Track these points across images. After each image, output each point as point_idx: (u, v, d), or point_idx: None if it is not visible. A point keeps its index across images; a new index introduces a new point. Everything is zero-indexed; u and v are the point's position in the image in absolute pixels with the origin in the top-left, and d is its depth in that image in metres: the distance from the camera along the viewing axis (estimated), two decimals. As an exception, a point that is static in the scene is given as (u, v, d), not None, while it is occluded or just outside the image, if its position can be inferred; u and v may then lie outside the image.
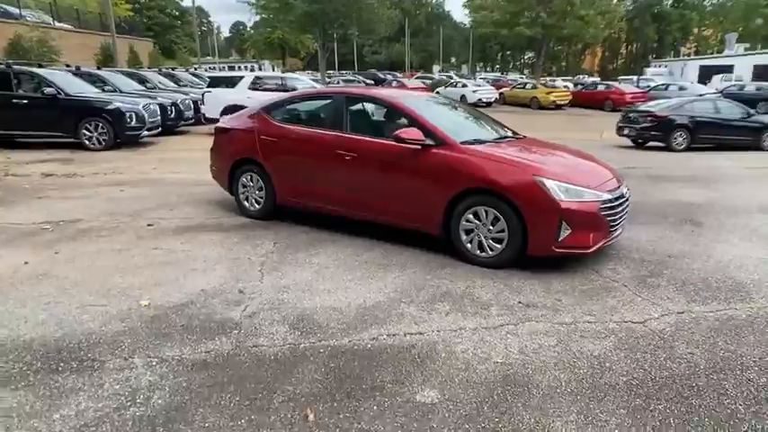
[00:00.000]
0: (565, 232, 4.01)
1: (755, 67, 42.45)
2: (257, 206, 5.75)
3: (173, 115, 13.74)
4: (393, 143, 4.66)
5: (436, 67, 77.02)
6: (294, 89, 13.69)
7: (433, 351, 2.98)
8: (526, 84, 29.45)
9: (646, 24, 70.65)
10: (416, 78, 38.23)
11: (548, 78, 45.17)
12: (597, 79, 46.33)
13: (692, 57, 52.41)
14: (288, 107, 5.71)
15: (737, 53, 48.03)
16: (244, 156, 5.71)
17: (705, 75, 41.89)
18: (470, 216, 4.31)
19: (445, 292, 3.82)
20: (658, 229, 5.56)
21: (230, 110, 13.33)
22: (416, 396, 2.56)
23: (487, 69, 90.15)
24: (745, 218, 6.14)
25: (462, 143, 4.51)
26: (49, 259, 4.47)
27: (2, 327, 3.20)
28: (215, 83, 14.83)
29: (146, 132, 11.68)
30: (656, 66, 55.78)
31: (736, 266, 4.43)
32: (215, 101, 13.83)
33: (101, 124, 10.87)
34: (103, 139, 10.93)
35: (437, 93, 31.64)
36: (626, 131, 13.56)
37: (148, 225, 5.55)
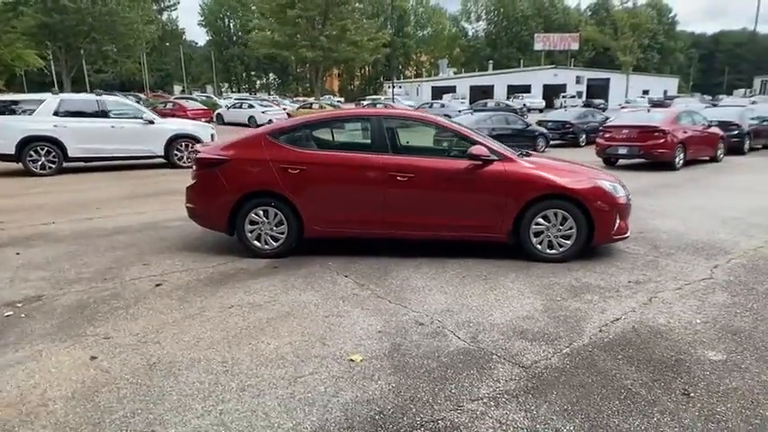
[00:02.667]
0: (616, 223, 4.99)
1: (471, 87, 53.02)
2: (275, 243, 5.18)
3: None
4: (453, 161, 4.96)
5: (177, 88, 73.03)
6: (120, 114, 11.88)
7: (654, 324, 3.53)
8: (311, 104, 30.69)
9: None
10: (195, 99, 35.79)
11: (302, 98, 47.87)
12: (340, 99, 51.12)
13: (424, 78, 61.97)
14: (307, 131, 5.32)
15: (456, 76, 58.85)
16: (257, 189, 5.09)
17: (436, 94, 50.36)
18: (540, 219, 4.93)
19: (573, 286, 4.36)
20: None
21: (28, 142, 10.83)
22: (708, 355, 3.11)
23: (233, 89, 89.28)
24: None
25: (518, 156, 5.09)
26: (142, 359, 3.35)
27: None
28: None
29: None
30: (389, 87, 64.06)
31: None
32: (5, 132, 10.91)
33: None
34: None
35: (218, 114, 30.50)
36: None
37: (157, 285, 4.49)
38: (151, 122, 12.14)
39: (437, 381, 2.90)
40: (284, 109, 31.15)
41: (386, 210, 5.03)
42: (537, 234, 4.97)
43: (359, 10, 31.40)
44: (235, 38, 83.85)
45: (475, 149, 4.84)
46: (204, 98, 38.93)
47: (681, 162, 11.81)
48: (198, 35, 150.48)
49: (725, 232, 6.06)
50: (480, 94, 50.35)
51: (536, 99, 46.99)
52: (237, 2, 79.83)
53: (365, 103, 39.24)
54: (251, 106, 29.13)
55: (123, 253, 5.46)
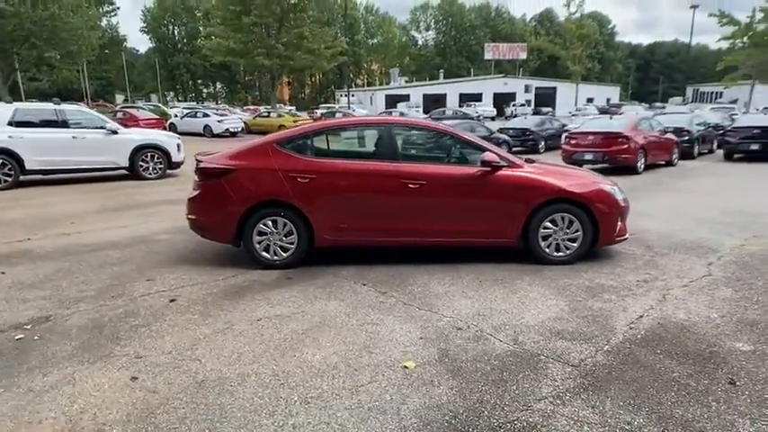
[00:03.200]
0: (618, 226, 5.23)
1: (424, 95, 53.87)
2: (285, 254, 5.11)
3: None
4: (462, 168, 5.08)
5: (120, 96, 70.43)
6: (81, 123, 11.33)
7: (676, 320, 3.72)
8: (269, 113, 30.25)
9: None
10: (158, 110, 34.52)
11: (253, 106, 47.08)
12: (292, 108, 50.64)
13: (378, 87, 62.41)
14: (316, 140, 5.27)
15: (409, 85, 59.56)
16: (266, 198, 5.00)
17: (390, 102, 50.89)
18: (548, 223, 5.09)
19: (588, 287, 4.53)
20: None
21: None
22: (737, 346, 3.31)
23: (179, 98, 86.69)
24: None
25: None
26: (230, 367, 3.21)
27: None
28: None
29: None
30: (343, 95, 64.15)
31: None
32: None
33: None
34: None
35: (171, 124, 29.55)
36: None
37: (171, 301, 4.33)
38: (114, 132, 11.62)
39: (497, 383, 2.95)
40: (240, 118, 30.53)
41: (398, 217, 5.06)
42: (545, 238, 5.13)
43: (314, 18, 31.21)
44: (180, 45, 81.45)
45: (487, 156, 4.96)
46: (152, 107, 37.63)
47: (642, 166, 12.48)
48: (139, 42, 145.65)
49: (705, 232, 6.46)
50: (433, 102, 51.29)
51: (487, 107, 48.33)
52: (182, 8, 77.72)
53: (320, 112, 39.16)
54: (206, 115, 28.38)
55: (120, 269, 5.22)
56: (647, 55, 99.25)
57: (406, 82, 68.94)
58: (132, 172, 11.86)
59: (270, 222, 5.05)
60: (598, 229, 5.10)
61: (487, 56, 62.72)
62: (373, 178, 5.02)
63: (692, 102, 65.63)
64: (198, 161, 5.23)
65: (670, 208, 8.08)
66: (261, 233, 5.07)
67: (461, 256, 5.31)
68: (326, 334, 3.62)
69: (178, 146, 12.63)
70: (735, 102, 46.78)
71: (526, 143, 19.03)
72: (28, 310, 4.15)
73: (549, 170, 5.34)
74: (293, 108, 56.48)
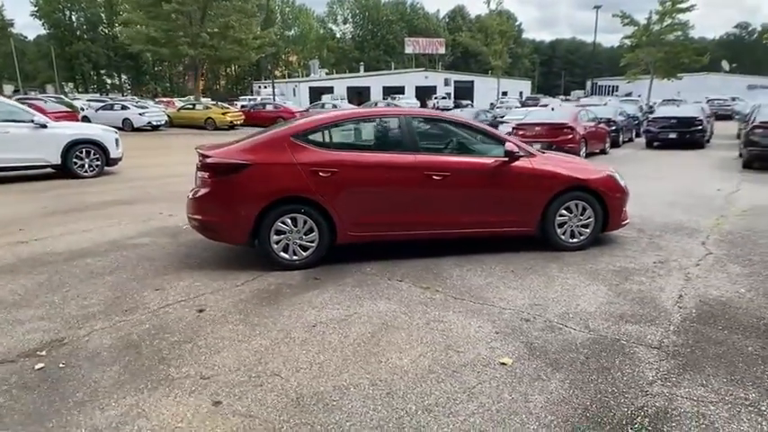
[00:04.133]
0: (623, 211, 5.48)
1: (348, 88, 53.55)
2: (305, 253, 4.82)
3: None
4: (483, 159, 5.06)
5: (8, 87, 63.58)
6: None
7: (713, 296, 3.95)
8: (195, 104, 28.56)
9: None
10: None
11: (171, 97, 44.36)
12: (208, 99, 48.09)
13: (301, 79, 60.96)
14: (334, 131, 4.99)
15: (333, 77, 58.84)
16: (285, 195, 4.68)
17: (314, 95, 50.09)
18: (563, 211, 5.22)
19: (615, 270, 4.70)
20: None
21: None
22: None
23: (79, 90, 79.48)
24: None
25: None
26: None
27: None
28: None
29: None
30: (263, 87, 62.22)
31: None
32: None
33: None
34: None
35: (84, 117, 27.07)
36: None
37: (200, 311, 3.93)
38: (43, 126, 10.37)
39: (601, 372, 2.95)
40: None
41: (422, 210, 4.94)
42: (561, 225, 5.25)
43: (239, 7, 29.74)
44: (80, 33, 74.56)
45: (509, 146, 4.97)
46: (54, 99, 34.12)
47: (584, 155, 13.22)
48: (28, 28, 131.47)
49: (679, 214, 6.95)
50: (356, 94, 51.17)
51: (411, 100, 48.98)
52: (80, -8, 71.16)
53: (241, 104, 37.52)
54: (125, 108, 26.24)
55: (115, 279, 4.65)
56: (549, 51, 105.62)
57: (327, 74, 68.16)
58: (65, 170, 10.65)
59: (289, 220, 4.73)
60: (608, 214, 5.30)
61: (408, 50, 63.52)
62: (397, 171, 4.86)
63: (591, 94, 70.86)
64: (204, 156, 4.77)
65: (635, 194, 8.61)
66: (279, 232, 4.73)
67: (478, 246, 5.28)
68: (398, 336, 3.45)
69: (116, 141, 11.56)
70: (629, 95, 51.24)
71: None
72: (30, 333, 3.56)
73: (560, 159, 5.48)
74: (210, 100, 53.59)
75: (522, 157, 5.07)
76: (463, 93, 57.52)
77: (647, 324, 3.57)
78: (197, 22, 28.01)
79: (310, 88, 52.86)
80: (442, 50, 64.71)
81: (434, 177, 4.87)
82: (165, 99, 50.27)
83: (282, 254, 4.79)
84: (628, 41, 34.22)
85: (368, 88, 55.25)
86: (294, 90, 54.19)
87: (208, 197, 4.73)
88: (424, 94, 54.58)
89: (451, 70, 66.24)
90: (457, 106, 47.20)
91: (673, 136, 15.74)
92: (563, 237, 5.27)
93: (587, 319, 3.65)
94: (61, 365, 3.12)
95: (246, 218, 4.66)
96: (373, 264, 4.93)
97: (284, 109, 28.62)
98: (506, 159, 5.01)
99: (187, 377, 2.97)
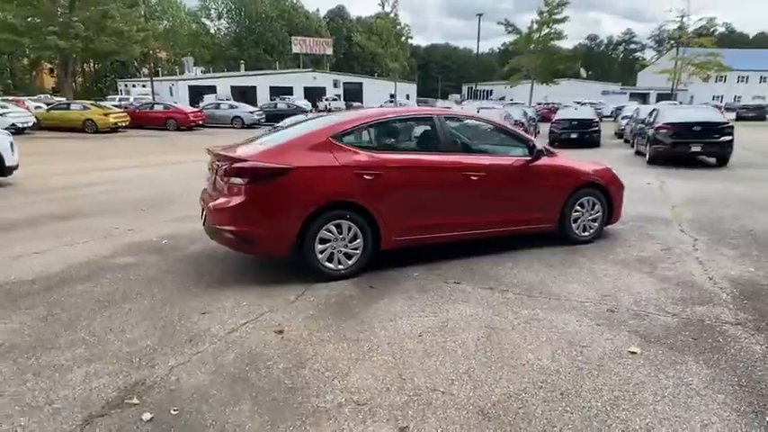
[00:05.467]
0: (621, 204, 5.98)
1: (232, 87, 51.18)
2: (349, 261, 4.58)
3: None
4: (511, 158, 5.21)
5: None
6: None
7: (747, 278, 4.48)
8: (69, 104, 25.20)
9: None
10: None
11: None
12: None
13: (179, 77, 56.66)
14: (374, 132, 4.80)
15: (215, 75, 55.73)
16: (332, 200, 4.40)
17: (194, 94, 47.13)
18: (578, 206, 5.55)
19: (636, 259, 5.11)
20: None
21: None
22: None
23: None
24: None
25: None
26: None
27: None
28: None
29: None
30: (132, 86, 57.21)
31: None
32: None
33: None
34: None
35: None
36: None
37: (278, 332, 3.57)
38: None
39: (717, 350, 3.22)
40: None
41: (463, 211, 4.95)
42: (575, 220, 5.58)
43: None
44: None
45: (536, 145, 5.17)
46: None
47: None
48: None
49: (640, 206, 7.65)
50: (240, 94, 48.96)
51: (302, 101, 48.30)
52: None
53: (113, 104, 33.94)
54: (-20, 107, 22.41)
55: (135, 306, 4.02)
56: (425, 55, 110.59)
57: (203, 72, 64.36)
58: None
59: (333, 227, 4.45)
60: (612, 208, 5.75)
61: (295, 49, 62.20)
62: (439, 172, 4.82)
63: (468, 98, 75.75)
64: (234, 159, 4.30)
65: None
66: (323, 240, 4.43)
67: (496, 245, 5.33)
68: (513, 337, 3.43)
69: (11, 144, 9.89)
70: (502, 99, 55.76)
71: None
72: (92, 379, 2.95)
73: (571, 157, 5.80)
74: (64, 99, 47.29)
75: (545, 155, 5.29)
76: (352, 95, 57.91)
77: (710, 305, 3.95)
78: (66, 9, 24.68)
79: (190, 87, 49.52)
80: (329, 51, 64.48)
81: (472, 177, 4.90)
82: (11, 98, 43.52)
83: (328, 263, 4.49)
84: (510, 48, 37.12)
85: (253, 88, 53.20)
86: (171, 89, 50.31)
87: (245, 206, 4.26)
88: (313, 94, 54.02)
89: (338, 71, 66.29)
90: (348, 107, 47.61)
91: (574, 136, 17.44)
92: (577, 231, 5.61)
93: (660, 305, 3.94)
94: (173, 412, 2.63)
95: (291, 227, 4.30)
96: (413, 268, 4.82)
97: (175, 110, 26.50)
98: (531, 158, 5.20)
99: (341, 405, 2.67)
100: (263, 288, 4.35)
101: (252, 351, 3.27)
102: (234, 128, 27.77)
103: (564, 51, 36.93)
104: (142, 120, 26.33)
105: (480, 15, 42.67)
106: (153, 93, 38.52)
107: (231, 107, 28.59)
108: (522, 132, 5.58)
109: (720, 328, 3.52)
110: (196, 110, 27.74)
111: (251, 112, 28.24)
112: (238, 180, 4.28)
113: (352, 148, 4.56)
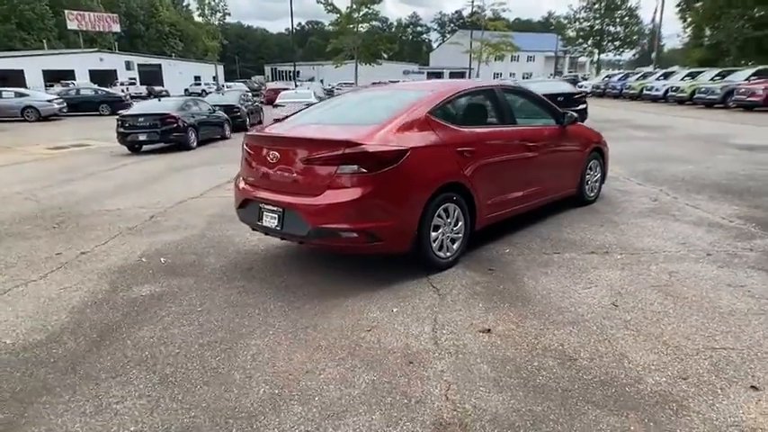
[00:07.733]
0: (606, 164, 6.63)
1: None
2: (454, 246, 4.26)
3: None
4: (550, 127, 5.36)
5: None
6: None
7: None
8: None
9: None
10: None
11: None
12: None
13: None
14: (458, 105, 4.45)
15: None
16: (446, 182, 4.03)
17: None
18: (588, 169, 6.00)
19: (653, 209, 5.76)
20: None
21: None
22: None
23: None
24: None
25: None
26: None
27: None
28: None
29: None
30: None
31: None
32: None
33: None
34: None
35: None
36: (140, 137, 13.00)
37: (487, 332, 3.22)
38: None
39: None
40: None
41: (526, 182, 4.94)
42: (586, 183, 6.02)
43: None
44: None
45: (566, 111, 5.42)
46: None
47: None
48: None
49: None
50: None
51: (93, 86, 41.43)
52: None
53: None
54: None
55: (279, 336, 3.17)
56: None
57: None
58: None
59: (443, 212, 4.07)
60: (605, 169, 6.36)
61: (71, 26, 52.09)
62: (513, 144, 4.76)
63: (272, 80, 74.11)
64: (341, 143, 3.59)
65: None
66: (435, 227, 4.02)
67: (528, 216, 5.36)
68: (681, 291, 3.60)
69: None
70: (312, 80, 56.08)
71: (236, 120, 18.39)
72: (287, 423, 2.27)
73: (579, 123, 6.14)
74: None
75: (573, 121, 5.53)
76: (150, 78, 51.55)
77: (761, 238, 4.69)
78: None
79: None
80: (116, 28, 55.79)
81: (531, 148, 4.92)
82: None
83: (439, 252, 4.10)
84: (332, 28, 37.19)
85: (20, 72, 43.62)
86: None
87: (368, 198, 3.60)
88: (100, 78, 46.63)
89: (129, 52, 58.14)
90: (150, 93, 42.37)
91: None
92: (588, 193, 6.07)
93: (734, 252, 4.36)
94: None
95: (413, 216, 3.81)
96: (494, 246, 4.70)
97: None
98: (563, 125, 5.41)
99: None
100: (388, 289, 3.78)
101: (503, 357, 2.85)
102: (27, 121, 22.54)
103: (382, 33, 38.51)
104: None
105: (293, -6, 41.62)
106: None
107: (19, 95, 22.97)
108: (548, 101, 5.74)
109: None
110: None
111: (49, 101, 23.14)
112: (354, 167, 3.58)
113: (449, 123, 4.19)
